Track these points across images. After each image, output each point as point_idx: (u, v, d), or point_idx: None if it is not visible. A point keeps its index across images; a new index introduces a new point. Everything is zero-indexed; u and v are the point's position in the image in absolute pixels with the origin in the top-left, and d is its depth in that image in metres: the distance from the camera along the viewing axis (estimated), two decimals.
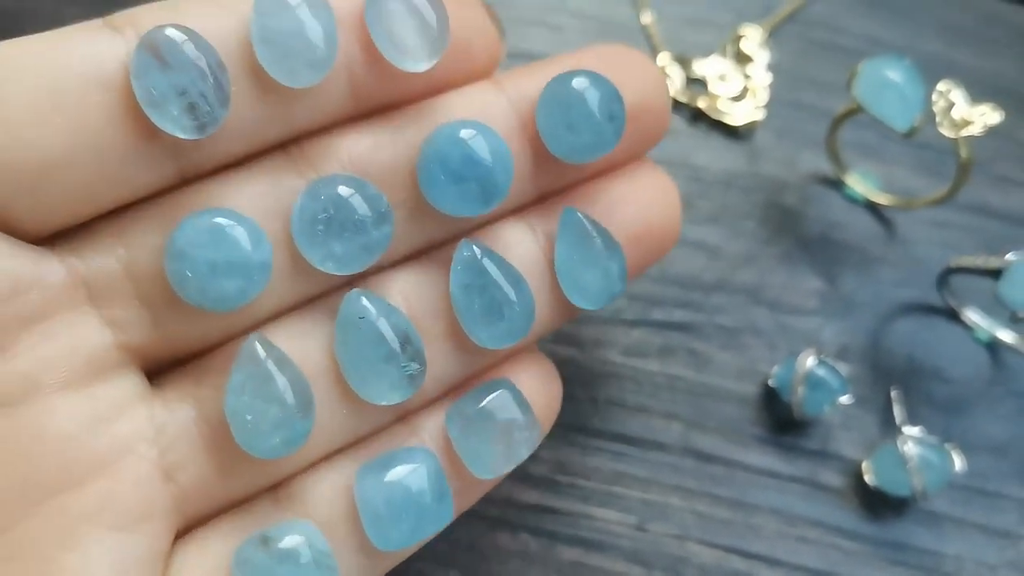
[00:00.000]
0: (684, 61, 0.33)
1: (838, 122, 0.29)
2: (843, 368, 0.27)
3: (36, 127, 0.16)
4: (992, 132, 0.26)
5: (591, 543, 0.26)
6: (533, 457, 0.26)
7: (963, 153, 0.27)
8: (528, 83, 0.20)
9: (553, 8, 0.34)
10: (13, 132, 0.16)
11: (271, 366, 0.17)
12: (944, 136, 0.27)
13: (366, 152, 0.19)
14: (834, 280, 0.30)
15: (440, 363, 0.20)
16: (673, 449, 0.27)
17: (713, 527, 0.26)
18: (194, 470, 0.18)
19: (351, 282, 0.20)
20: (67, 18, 0.18)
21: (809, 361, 0.27)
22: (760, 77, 0.33)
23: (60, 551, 0.16)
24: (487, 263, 0.19)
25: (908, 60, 0.27)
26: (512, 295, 0.19)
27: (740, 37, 0.33)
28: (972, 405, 0.29)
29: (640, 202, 0.22)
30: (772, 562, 0.26)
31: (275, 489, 0.19)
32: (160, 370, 0.19)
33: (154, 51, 0.16)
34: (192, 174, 0.18)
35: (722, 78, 0.33)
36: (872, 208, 0.31)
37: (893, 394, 0.28)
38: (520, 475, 0.26)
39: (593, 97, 0.19)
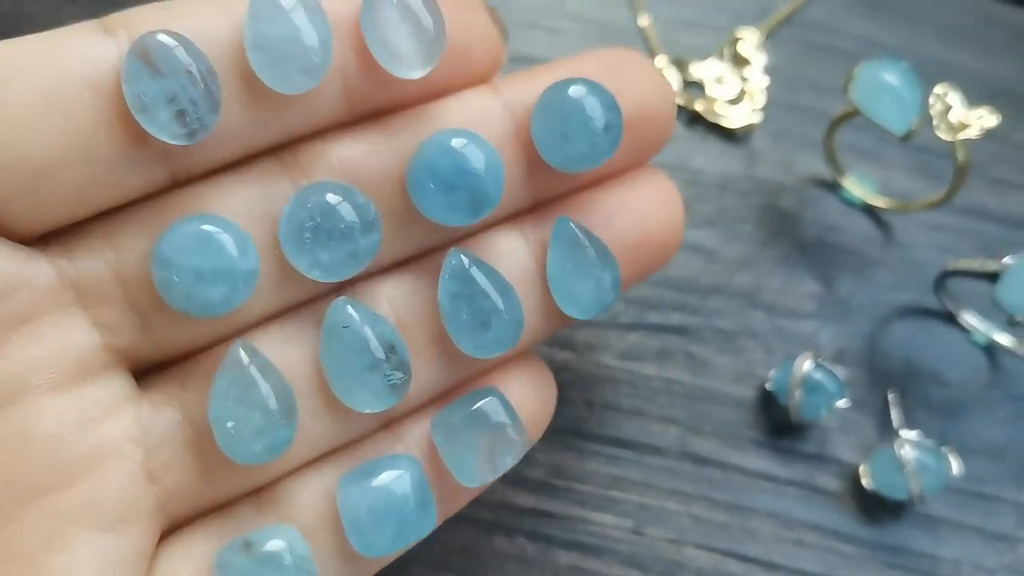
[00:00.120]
0: (681, 64, 0.33)
1: (835, 125, 0.29)
2: (840, 372, 0.27)
3: (28, 128, 0.16)
4: (989, 135, 0.26)
5: (587, 547, 0.26)
6: (529, 461, 0.26)
7: (960, 156, 0.27)
8: (526, 89, 0.20)
9: (551, 11, 0.34)
10: (10, 132, 0.16)
11: (255, 373, 0.17)
12: (941, 139, 0.27)
13: (357, 158, 0.19)
14: (831, 283, 0.30)
15: (427, 371, 0.20)
16: (670, 453, 0.27)
17: (710, 531, 0.26)
18: (178, 472, 0.18)
19: (340, 288, 0.20)
20: (65, 20, 0.18)
21: (806, 365, 0.27)
22: (757, 80, 0.33)
23: (47, 552, 0.16)
24: (475, 272, 0.19)
25: (905, 63, 0.27)
26: (500, 305, 0.19)
27: (737, 40, 0.33)
28: (969, 408, 0.29)
29: (639, 210, 0.21)
30: (769, 566, 0.26)
31: (259, 493, 0.19)
32: (148, 371, 0.19)
33: (144, 57, 0.16)
34: (183, 178, 0.18)
35: (719, 81, 0.33)
36: (869, 211, 0.31)
37: (890, 397, 0.28)
38: (516, 479, 0.26)
39: (589, 107, 0.19)
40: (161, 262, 0.17)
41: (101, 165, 0.17)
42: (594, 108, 0.19)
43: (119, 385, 0.18)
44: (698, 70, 0.33)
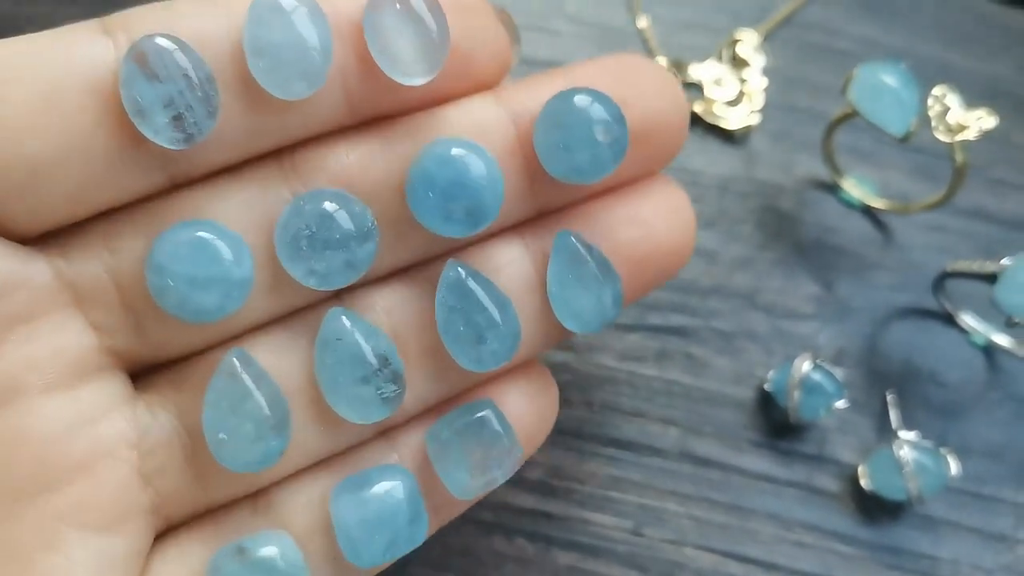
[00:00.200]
0: (680, 65, 0.33)
1: (834, 126, 0.29)
2: (839, 372, 0.27)
3: (26, 128, 0.16)
4: (988, 136, 0.26)
5: (587, 548, 0.26)
6: (528, 462, 0.26)
7: (959, 157, 0.27)
8: (531, 97, 0.20)
9: (550, 13, 0.34)
10: (9, 132, 0.16)
11: (248, 382, 0.18)
12: (940, 140, 0.27)
13: (356, 165, 0.19)
14: (830, 284, 0.30)
15: (422, 381, 0.20)
16: (669, 454, 0.27)
17: (710, 532, 0.26)
18: (173, 476, 0.18)
19: (337, 295, 0.19)
20: (64, 21, 0.18)
21: (805, 366, 0.27)
22: (756, 81, 0.33)
23: (41, 551, 0.16)
24: (472, 285, 0.19)
25: (903, 64, 0.27)
26: (496, 319, 0.19)
27: (736, 41, 0.33)
28: (968, 409, 0.29)
29: (647, 222, 0.21)
30: (769, 566, 0.26)
31: (255, 497, 0.19)
32: (145, 372, 0.19)
33: (141, 61, 0.16)
34: (182, 180, 0.18)
35: (718, 82, 0.33)
36: (868, 212, 0.31)
37: (889, 398, 0.28)
38: (516, 480, 0.26)
39: (592, 118, 0.19)
40: (155, 268, 0.17)
41: (99, 166, 0.17)
42: (598, 119, 0.19)
43: (115, 387, 0.18)
44: (697, 72, 0.33)
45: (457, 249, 0.20)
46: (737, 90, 0.33)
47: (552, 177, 0.20)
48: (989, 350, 0.29)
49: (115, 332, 0.18)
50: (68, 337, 0.17)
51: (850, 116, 0.28)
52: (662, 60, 0.33)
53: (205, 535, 0.18)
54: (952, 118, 0.27)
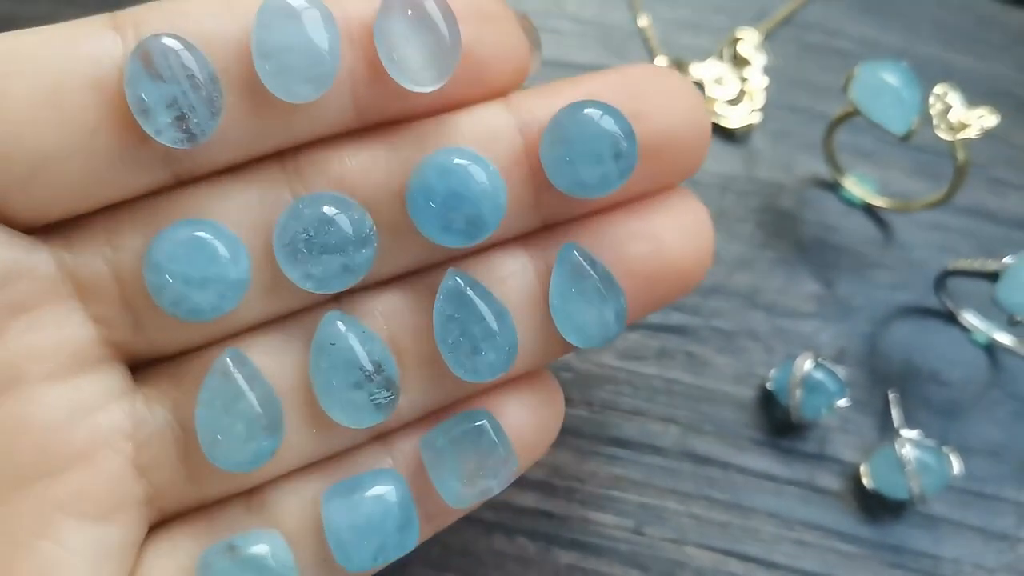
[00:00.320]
0: (680, 65, 0.33)
1: (834, 125, 0.29)
2: (840, 371, 0.27)
3: (29, 121, 0.16)
4: (989, 135, 0.26)
5: (588, 547, 0.26)
6: None
7: (960, 156, 0.27)
8: (542, 106, 0.19)
9: (550, 12, 0.34)
10: (9, 125, 0.16)
11: (241, 382, 0.18)
12: (941, 139, 0.27)
13: (359, 170, 0.19)
14: (831, 283, 0.30)
15: (419, 388, 0.19)
16: (670, 453, 0.27)
17: (710, 531, 0.26)
18: (166, 469, 0.18)
19: (336, 299, 0.19)
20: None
21: (807, 364, 0.27)
22: (756, 80, 0.33)
23: (35, 537, 0.17)
24: (471, 295, 0.19)
25: (904, 63, 0.27)
26: (493, 331, 0.18)
27: (736, 40, 0.33)
28: (970, 408, 0.29)
29: (658, 237, 0.20)
30: (770, 565, 0.26)
31: (248, 495, 0.19)
32: (145, 366, 0.19)
33: (146, 60, 0.16)
34: (187, 178, 0.18)
35: (718, 81, 0.33)
36: (869, 211, 0.31)
37: (891, 397, 0.28)
38: (516, 479, 0.26)
39: (599, 133, 0.18)
40: (152, 266, 0.17)
41: (101, 162, 0.17)
42: (605, 134, 0.18)
43: (114, 378, 0.18)
44: (697, 70, 0.33)
45: (460, 258, 0.20)
46: (738, 89, 0.33)
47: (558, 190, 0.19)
48: (991, 349, 0.29)
49: (115, 325, 0.18)
50: (69, 328, 0.17)
51: (851, 115, 0.28)
52: (663, 59, 0.33)
53: (198, 530, 0.19)
54: (953, 116, 0.27)
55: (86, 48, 0.16)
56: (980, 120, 0.26)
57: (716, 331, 0.29)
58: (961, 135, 0.26)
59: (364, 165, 0.19)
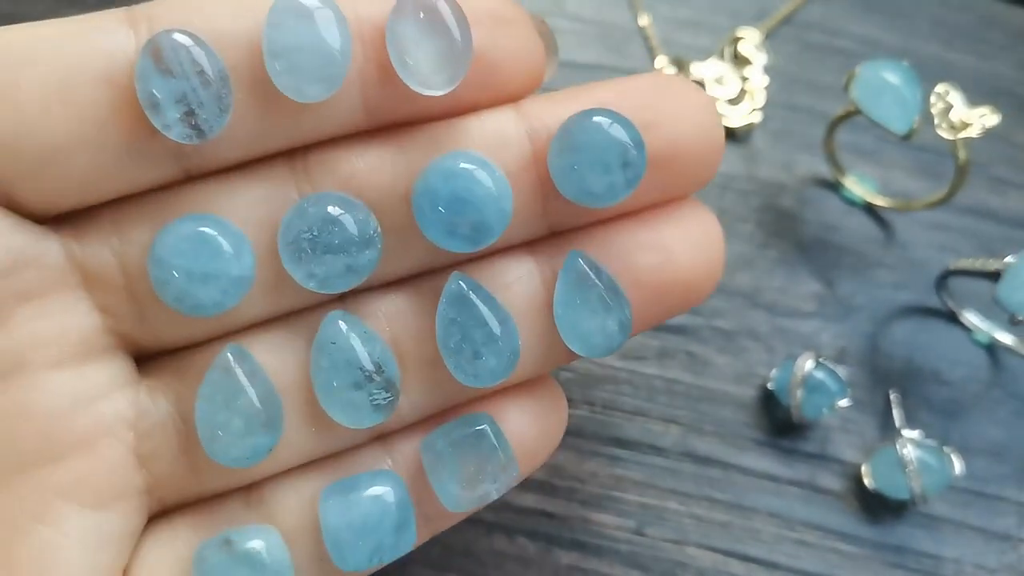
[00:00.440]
0: (681, 64, 0.33)
1: (835, 124, 0.29)
2: (842, 371, 0.27)
3: (40, 113, 0.16)
4: (990, 134, 0.26)
5: (589, 547, 0.26)
6: None
7: (961, 155, 0.27)
8: (553, 113, 0.19)
9: (551, 11, 0.34)
10: (22, 116, 0.16)
11: (242, 378, 0.18)
12: (942, 138, 0.27)
13: (366, 171, 0.19)
14: (832, 283, 0.30)
15: (420, 391, 0.19)
16: (671, 453, 0.27)
17: (711, 531, 0.26)
18: (167, 461, 0.18)
19: (341, 299, 0.19)
20: None
21: (808, 364, 0.27)
22: (757, 80, 0.33)
23: (35, 522, 0.17)
24: (474, 299, 0.18)
25: (905, 62, 0.27)
26: (494, 336, 0.18)
27: (737, 39, 0.33)
28: (971, 408, 0.29)
29: (667, 248, 0.20)
30: (771, 566, 0.26)
31: (247, 491, 0.19)
32: (150, 357, 0.19)
33: (156, 56, 0.16)
34: (196, 172, 0.18)
35: (719, 81, 0.33)
36: (870, 211, 0.31)
37: (892, 397, 0.28)
38: None
39: (608, 141, 0.18)
40: (156, 260, 0.17)
41: (110, 155, 0.17)
42: (613, 143, 0.18)
43: (118, 368, 0.18)
44: (698, 70, 0.33)
45: (466, 262, 0.20)
46: (738, 88, 0.33)
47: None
48: (992, 348, 0.29)
49: (120, 316, 0.18)
50: (75, 316, 0.18)
51: (852, 114, 0.28)
52: (663, 58, 0.33)
53: (197, 522, 0.19)
54: (955, 116, 0.26)
55: (99, 42, 0.17)
56: (981, 119, 0.26)
57: (717, 331, 0.29)
58: (962, 134, 0.26)
59: (372, 166, 0.19)
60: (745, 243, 0.30)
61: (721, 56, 0.33)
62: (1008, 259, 0.26)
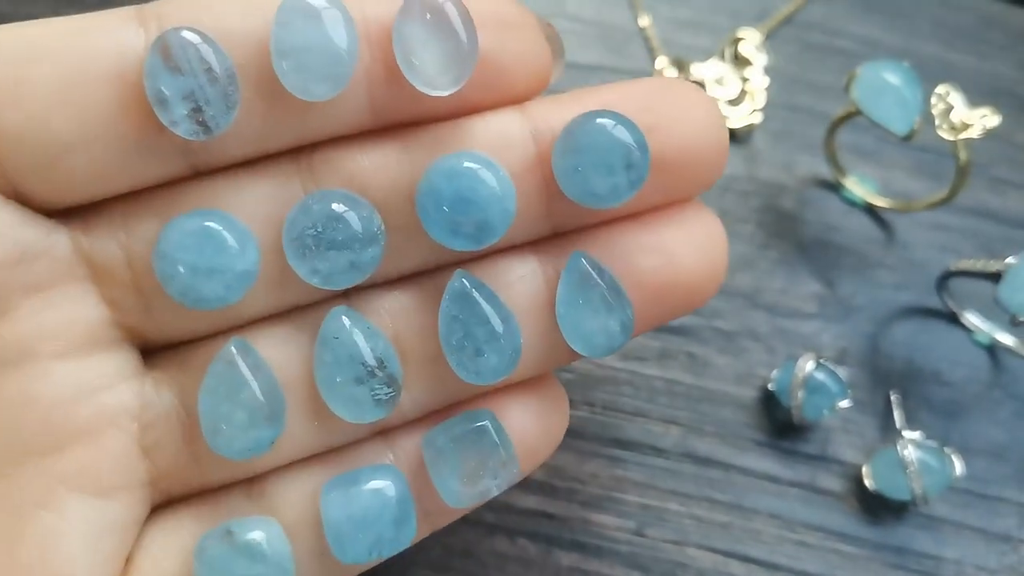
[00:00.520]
0: (682, 64, 0.33)
1: (836, 125, 0.29)
2: (842, 372, 0.27)
3: (50, 109, 0.16)
4: (990, 135, 0.26)
5: (589, 548, 0.26)
6: None
7: (962, 156, 0.27)
8: (557, 114, 0.19)
9: (551, 12, 0.34)
10: (32, 112, 0.16)
11: (245, 372, 0.18)
12: (942, 139, 0.27)
13: (371, 169, 0.19)
14: (833, 284, 0.30)
15: (422, 388, 0.20)
16: (671, 454, 0.27)
17: (712, 532, 0.26)
18: (170, 452, 0.19)
19: (345, 294, 0.20)
20: None
21: (809, 365, 0.27)
22: (757, 80, 0.33)
23: (38, 509, 0.17)
24: (477, 297, 0.19)
25: (906, 63, 0.27)
26: (497, 333, 0.18)
27: (738, 40, 0.33)
28: (972, 409, 0.29)
29: (669, 251, 0.20)
30: (771, 567, 0.26)
31: (249, 483, 0.19)
32: (156, 349, 0.19)
33: (165, 53, 0.16)
34: (203, 168, 0.18)
35: (719, 81, 0.33)
36: (870, 211, 0.31)
37: (892, 398, 0.28)
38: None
39: (611, 143, 0.18)
40: (161, 255, 0.17)
41: (118, 151, 0.17)
42: (617, 145, 0.18)
43: (123, 359, 0.18)
44: (699, 70, 0.33)
45: (470, 260, 0.20)
46: (739, 89, 0.33)
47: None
48: (993, 349, 0.29)
49: (126, 309, 0.18)
50: (82, 308, 0.18)
51: (852, 115, 0.28)
52: (663, 59, 0.33)
53: (199, 513, 0.19)
54: (955, 117, 0.26)
55: (109, 39, 0.17)
56: (982, 120, 0.26)
57: (717, 332, 0.29)
58: (963, 135, 0.26)
59: (376, 165, 0.19)
60: (746, 244, 0.30)
61: (721, 57, 0.33)
62: (1009, 260, 0.26)
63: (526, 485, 0.26)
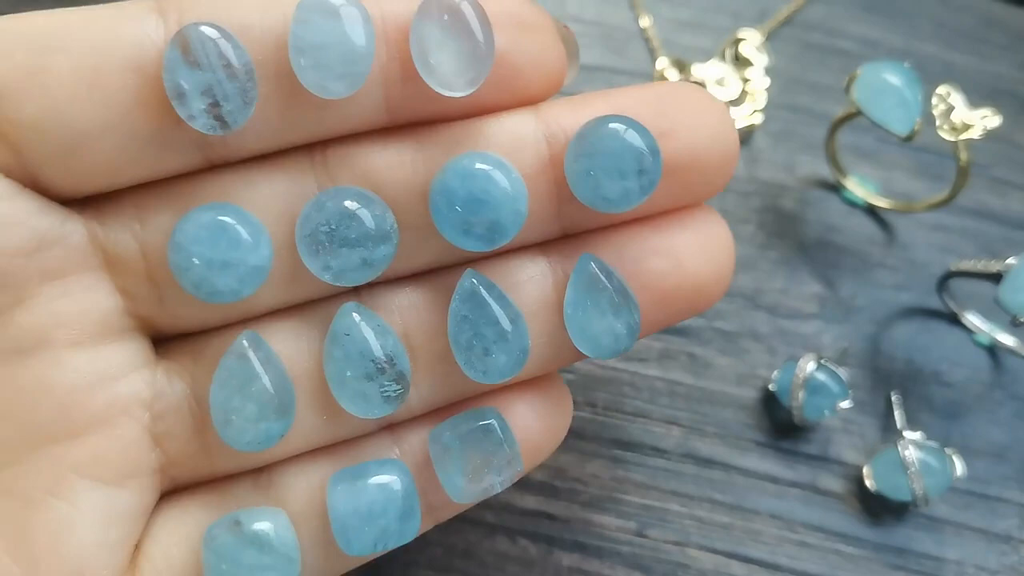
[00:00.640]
0: (682, 65, 0.33)
1: (837, 126, 0.29)
2: (843, 372, 0.27)
3: (68, 99, 0.17)
4: (991, 135, 0.26)
5: (590, 549, 0.26)
6: None
7: (962, 156, 0.27)
8: (570, 117, 0.19)
9: (551, 12, 0.33)
10: (51, 101, 0.16)
11: (256, 366, 0.18)
12: (943, 140, 0.27)
13: (385, 167, 0.19)
14: (833, 284, 0.30)
15: (430, 385, 0.20)
16: (672, 454, 0.27)
17: (713, 532, 0.26)
18: (180, 441, 0.19)
19: (356, 291, 0.20)
20: None
21: (809, 366, 0.27)
22: (758, 81, 0.33)
23: (50, 496, 0.17)
24: (486, 297, 0.19)
25: (907, 63, 0.27)
26: (505, 334, 0.19)
27: (738, 41, 0.33)
28: (972, 409, 0.29)
29: (677, 255, 0.20)
30: (772, 567, 0.26)
31: (257, 473, 0.20)
32: (168, 339, 0.19)
33: (184, 48, 0.17)
34: (218, 161, 0.18)
35: (720, 82, 0.33)
36: (871, 212, 0.31)
37: (893, 398, 0.28)
38: (519, 481, 0.26)
39: (624, 148, 0.18)
40: (175, 247, 0.17)
41: (135, 142, 0.17)
42: (629, 151, 0.18)
43: (136, 349, 0.19)
44: (699, 71, 0.33)
45: (480, 259, 0.20)
46: (739, 90, 0.33)
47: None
48: (993, 350, 0.29)
49: (139, 299, 0.18)
50: (96, 297, 0.18)
51: (853, 115, 0.28)
52: (664, 60, 0.33)
53: (207, 501, 0.19)
54: (956, 117, 0.26)
55: (129, 30, 0.17)
56: (983, 121, 0.26)
57: (718, 332, 0.29)
58: (964, 136, 0.26)
59: (390, 163, 0.19)
60: (746, 244, 0.30)
61: (722, 57, 0.33)
62: (1009, 260, 0.26)
63: (527, 486, 0.26)
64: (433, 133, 0.19)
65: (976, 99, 0.27)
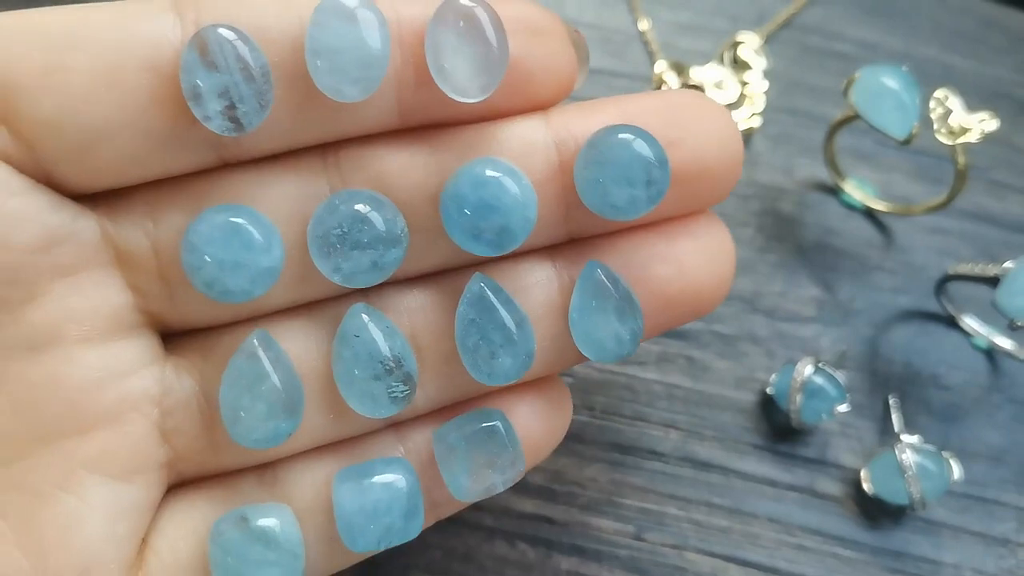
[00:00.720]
0: (681, 68, 0.33)
1: (835, 129, 0.29)
2: (841, 376, 0.27)
3: (89, 98, 0.17)
4: (989, 138, 0.26)
5: (588, 552, 0.26)
6: None
7: (960, 160, 0.27)
8: (580, 124, 0.20)
9: None
10: (67, 98, 0.17)
11: (266, 365, 0.18)
12: (941, 143, 0.27)
13: (397, 170, 0.19)
14: (832, 287, 0.30)
15: (435, 384, 0.20)
16: (670, 458, 0.27)
17: (711, 536, 0.26)
18: (189, 437, 0.19)
19: (365, 292, 0.20)
20: None
21: (807, 369, 0.27)
22: (756, 84, 0.33)
23: (58, 490, 0.18)
24: (494, 301, 0.19)
25: (905, 67, 0.27)
26: (512, 338, 0.19)
27: (737, 44, 0.33)
28: (970, 412, 0.29)
29: (681, 261, 0.20)
30: (770, 571, 0.26)
31: (263, 469, 0.20)
32: (177, 336, 0.20)
33: (202, 50, 0.17)
34: (232, 161, 0.19)
35: (718, 85, 0.33)
36: (869, 215, 0.31)
37: (891, 402, 0.28)
38: (517, 484, 0.26)
39: (633, 158, 0.18)
40: (188, 247, 0.18)
41: (150, 141, 0.17)
42: (638, 159, 0.18)
43: (146, 345, 0.19)
44: (698, 74, 0.33)
45: (488, 262, 0.20)
46: (738, 93, 0.33)
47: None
48: (991, 353, 0.29)
49: (150, 296, 0.19)
50: (107, 293, 0.18)
51: (851, 119, 0.28)
52: (663, 63, 0.33)
53: (213, 496, 0.19)
54: (954, 121, 0.27)
55: (146, 29, 0.17)
56: (981, 124, 0.26)
57: (716, 335, 0.29)
58: (962, 139, 0.26)
59: (402, 166, 0.19)
60: (745, 247, 0.30)
61: (721, 60, 0.33)
62: (1007, 264, 0.26)
63: (526, 489, 0.26)
64: (444, 137, 0.19)
65: (975, 101, 0.27)
